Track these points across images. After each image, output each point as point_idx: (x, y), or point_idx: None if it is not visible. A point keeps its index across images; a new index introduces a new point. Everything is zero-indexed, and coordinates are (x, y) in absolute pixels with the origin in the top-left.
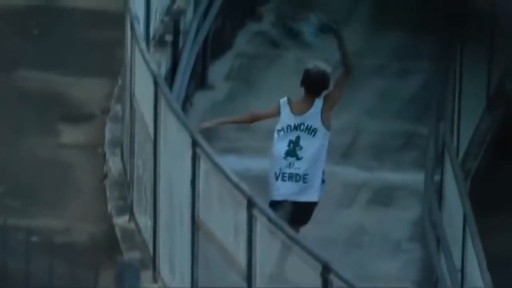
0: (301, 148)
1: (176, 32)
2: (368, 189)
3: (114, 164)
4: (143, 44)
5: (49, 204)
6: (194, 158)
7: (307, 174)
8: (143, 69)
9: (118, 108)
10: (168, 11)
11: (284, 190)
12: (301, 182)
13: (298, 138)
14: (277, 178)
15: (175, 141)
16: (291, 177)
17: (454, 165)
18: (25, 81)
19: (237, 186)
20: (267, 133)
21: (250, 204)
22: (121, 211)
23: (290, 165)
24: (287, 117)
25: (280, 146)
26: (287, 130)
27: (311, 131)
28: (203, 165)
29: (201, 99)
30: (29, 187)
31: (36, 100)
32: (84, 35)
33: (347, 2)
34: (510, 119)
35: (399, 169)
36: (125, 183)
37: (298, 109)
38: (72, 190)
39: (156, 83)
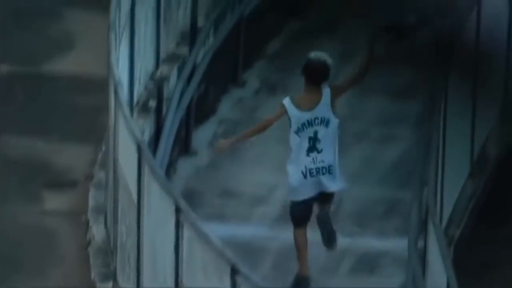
0: (319, 141)
1: (159, 98)
2: (351, 256)
3: (97, 231)
4: (126, 110)
5: (33, 272)
6: (178, 225)
7: (331, 165)
8: (126, 135)
9: (102, 174)
10: (151, 77)
11: (314, 186)
12: (327, 174)
13: (316, 132)
14: (305, 176)
15: (158, 207)
16: (318, 171)
17: (437, 231)
18: (9, 148)
19: (220, 253)
20: (252, 199)
21: (234, 271)
22: (104, 278)
23: (314, 161)
24: (299, 116)
25: (303, 145)
26: (303, 129)
27: (325, 122)
28: (187, 232)
29: (185, 165)
30: (12, 254)
31: (20, 167)
32: (68, 101)
33: (334, 62)
34: (493, 185)
35: (382, 236)
36: (109, 250)
37: (306, 105)
38: (55, 257)
39: (139, 149)
